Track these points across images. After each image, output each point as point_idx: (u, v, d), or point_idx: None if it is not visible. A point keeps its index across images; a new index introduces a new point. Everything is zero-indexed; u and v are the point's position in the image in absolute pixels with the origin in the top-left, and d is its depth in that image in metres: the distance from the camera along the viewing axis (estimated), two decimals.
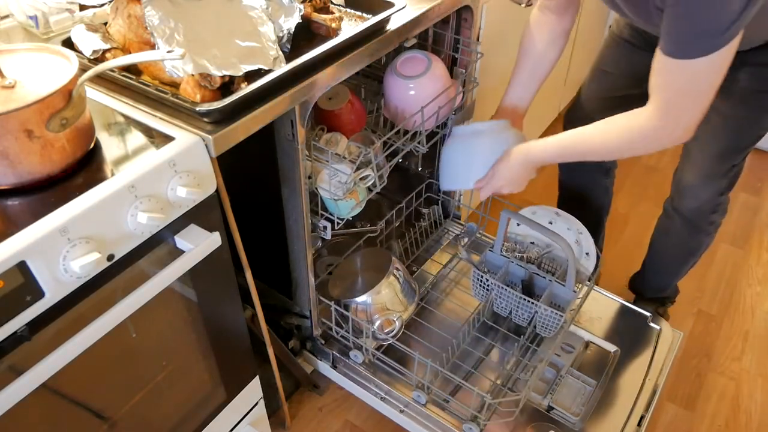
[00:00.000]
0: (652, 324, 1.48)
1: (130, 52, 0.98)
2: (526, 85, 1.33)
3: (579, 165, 1.59)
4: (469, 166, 1.34)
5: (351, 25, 1.14)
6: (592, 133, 1.11)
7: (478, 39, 1.39)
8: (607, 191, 1.67)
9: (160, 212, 0.80)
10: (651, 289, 1.69)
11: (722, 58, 0.92)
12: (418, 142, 1.34)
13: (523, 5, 0.97)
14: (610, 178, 1.64)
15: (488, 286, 1.41)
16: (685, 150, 1.39)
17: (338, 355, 1.40)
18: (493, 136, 1.31)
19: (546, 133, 2.44)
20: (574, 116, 1.53)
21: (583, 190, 1.65)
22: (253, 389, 1.23)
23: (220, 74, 0.90)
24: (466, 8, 1.33)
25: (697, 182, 1.37)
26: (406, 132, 1.33)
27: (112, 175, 0.78)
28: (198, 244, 0.86)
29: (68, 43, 1.00)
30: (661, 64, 0.96)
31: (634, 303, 1.55)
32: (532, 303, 1.34)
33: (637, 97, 1.06)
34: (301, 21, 1.04)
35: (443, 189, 1.49)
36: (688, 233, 1.48)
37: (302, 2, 1.08)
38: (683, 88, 0.97)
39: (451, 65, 1.44)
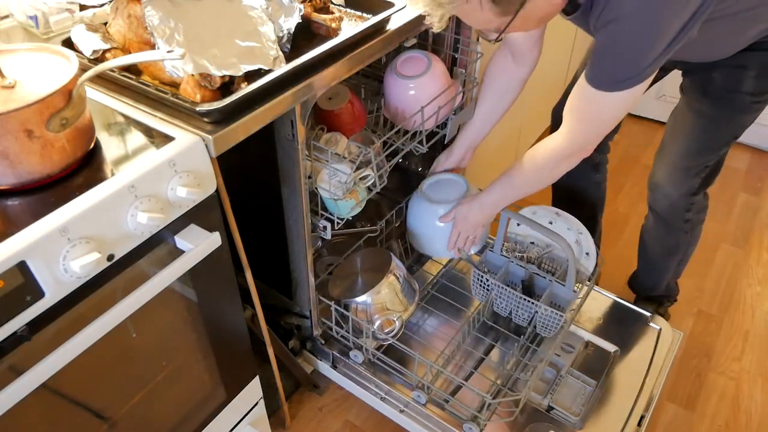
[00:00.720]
0: (652, 324, 1.48)
1: (130, 52, 0.98)
2: (484, 120, 1.40)
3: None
4: (432, 242, 1.48)
5: (351, 25, 1.14)
6: (521, 165, 1.24)
7: (478, 39, 1.39)
8: (599, 186, 1.67)
9: (160, 212, 0.80)
10: (644, 287, 1.70)
11: (632, 96, 0.98)
12: (418, 142, 1.34)
13: (492, 41, 1.03)
14: (601, 173, 1.64)
15: (488, 286, 1.41)
16: (660, 147, 1.41)
17: (338, 355, 1.40)
18: (449, 208, 1.41)
19: (545, 134, 2.44)
20: (557, 111, 1.58)
21: (575, 188, 1.66)
22: (253, 389, 1.23)
23: (220, 74, 0.90)
24: None
25: (667, 180, 1.39)
26: (406, 132, 1.33)
27: (112, 175, 0.78)
28: (198, 244, 0.86)
29: (68, 43, 1.00)
30: (578, 87, 1.04)
31: (634, 303, 1.55)
32: (532, 303, 1.34)
33: None
34: (301, 21, 1.04)
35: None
36: (664, 231, 1.51)
37: (302, 2, 1.08)
38: (589, 116, 1.07)
39: (451, 65, 1.44)
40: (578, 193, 1.66)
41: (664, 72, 1.37)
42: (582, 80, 1.01)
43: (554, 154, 1.16)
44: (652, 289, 1.69)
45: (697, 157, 1.33)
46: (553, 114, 1.62)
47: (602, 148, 1.58)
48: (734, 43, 1.14)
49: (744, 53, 1.15)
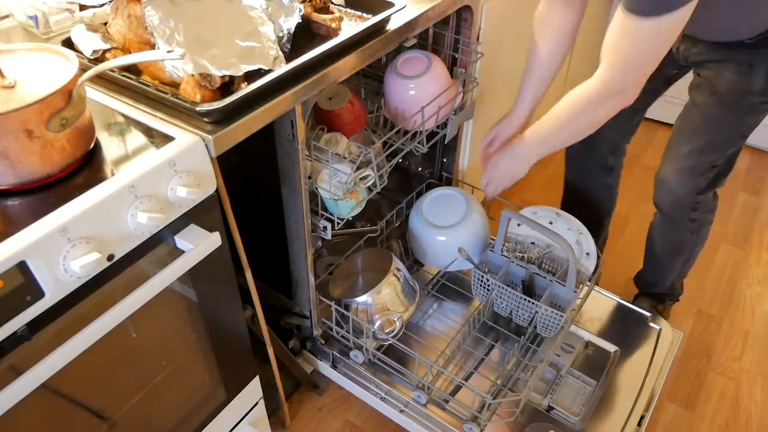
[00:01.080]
0: (652, 324, 1.48)
1: (130, 52, 0.98)
2: (544, 68, 1.35)
3: (582, 162, 1.61)
4: (428, 256, 1.51)
5: (351, 25, 1.14)
6: (556, 113, 1.19)
7: (478, 39, 1.39)
8: (610, 190, 1.66)
9: (160, 212, 0.80)
10: (647, 284, 1.70)
11: (674, 25, 0.95)
12: (419, 142, 1.34)
13: None
14: (614, 177, 1.64)
15: (489, 286, 1.41)
16: (668, 146, 1.40)
17: (338, 355, 1.40)
18: (448, 232, 1.45)
19: None
20: None
21: (585, 189, 1.65)
22: (253, 389, 1.23)
23: (220, 74, 0.90)
24: (466, 8, 1.33)
25: (672, 177, 1.38)
26: (406, 132, 1.33)
27: (112, 175, 0.78)
28: (198, 244, 0.86)
29: (68, 43, 1.00)
30: (617, 23, 1.00)
31: (634, 298, 1.55)
32: (533, 303, 1.34)
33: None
34: (301, 21, 1.04)
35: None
36: (669, 229, 1.50)
37: (302, 2, 1.08)
38: (627, 49, 1.02)
39: (451, 65, 1.44)
40: (588, 195, 1.66)
41: (679, 70, 1.37)
42: (618, 12, 0.98)
43: (590, 98, 1.11)
44: (654, 285, 1.68)
45: (702, 156, 1.32)
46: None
47: (618, 150, 1.57)
48: (752, 20, 1.12)
49: (756, 51, 1.15)
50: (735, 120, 1.26)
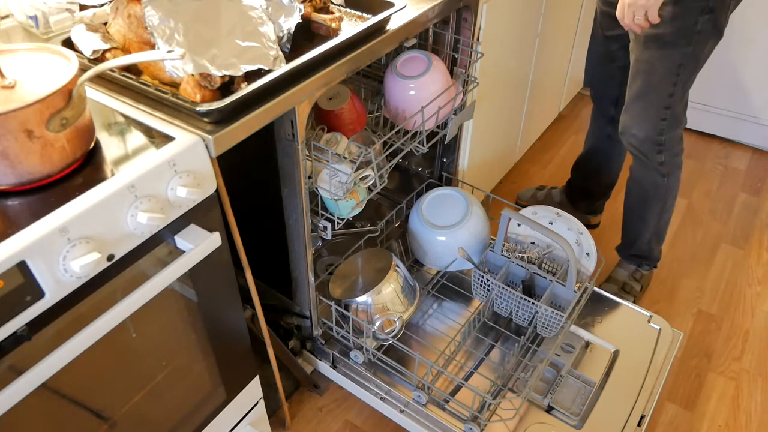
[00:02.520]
0: (652, 324, 1.48)
1: (130, 52, 0.98)
2: None
3: (594, 113, 1.80)
4: (428, 256, 1.52)
5: (351, 25, 1.14)
6: None
7: (478, 39, 1.39)
8: (615, 146, 1.78)
9: (160, 212, 0.80)
10: (626, 245, 1.74)
11: None
12: (419, 142, 1.34)
13: None
14: (615, 129, 1.70)
15: (489, 286, 1.41)
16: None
17: (338, 355, 1.40)
18: (448, 232, 1.45)
19: (547, 132, 2.44)
20: (591, 73, 1.74)
21: (594, 146, 1.83)
22: (253, 389, 1.23)
23: (220, 74, 0.90)
24: (466, 8, 1.33)
25: (630, 122, 1.48)
26: (406, 132, 1.33)
27: (112, 175, 0.78)
28: (198, 244, 0.86)
29: (68, 43, 1.00)
30: None
31: (616, 266, 1.68)
32: (533, 303, 1.34)
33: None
34: (301, 21, 1.04)
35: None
36: (642, 171, 1.57)
37: (302, 2, 1.08)
38: None
39: (451, 65, 1.44)
40: (597, 151, 1.81)
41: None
42: None
43: None
44: (633, 244, 1.72)
45: (648, 97, 1.42)
46: (587, 72, 1.76)
47: (618, 101, 1.64)
48: None
49: None
50: (660, 55, 1.35)
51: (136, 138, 0.87)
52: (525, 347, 1.39)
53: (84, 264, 0.71)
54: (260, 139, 1.01)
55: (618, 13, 1.31)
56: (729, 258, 1.98)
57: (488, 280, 1.40)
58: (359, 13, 1.18)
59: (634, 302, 1.61)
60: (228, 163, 0.92)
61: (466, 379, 1.35)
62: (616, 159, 1.82)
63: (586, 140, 1.89)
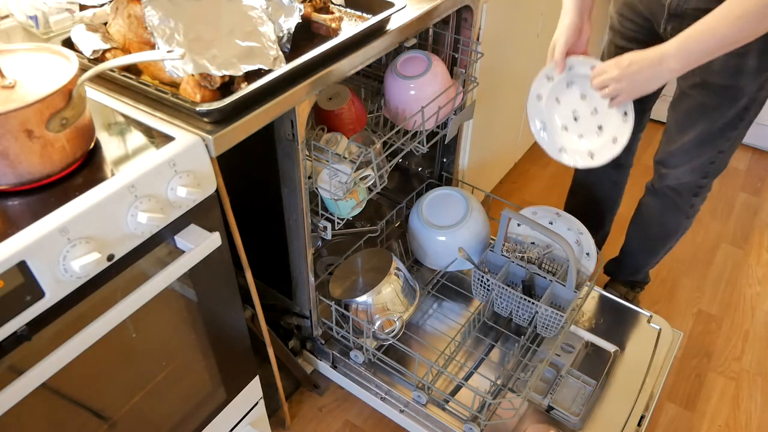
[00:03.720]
0: (652, 324, 1.48)
1: (130, 52, 0.98)
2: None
3: None
4: (428, 256, 1.51)
5: (351, 25, 1.14)
6: (712, 19, 1.03)
7: (478, 39, 1.39)
8: (616, 187, 1.68)
9: (160, 212, 0.80)
10: (625, 271, 1.71)
11: None
12: (419, 142, 1.34)
13: None
14: (621, 174, 1.64)
15: (489, 286, 1.41)
16: (664, 134, 1.40)
17: (338, 355, 1.40)
18: (448, 232, 1.44)
19: None
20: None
21: (592, 183, 1.67)
22: (253, 389, 1.23)
23: (220, 74, 0.90)
24: (466, 8, 1.33)
25: (678, 163, 1.39)
26: (406, 132, 1.33)
27: (112, 175, 0.78)
28: (198, 244, 0.86)
29: (68, 43, 1.00)
30: None
31: (605, 286, 1.56)
32: (533, 303, 1.34)
33: None
34: (301, 21, 1.04)
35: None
36: (668, 213, 1.50)
37: (302, 2, 1.08)
38: None
39: (451, 65, 1.44)
40: (594, 190, 1.67)
41: None
42: None
43: None
44: (633, 273, 1.70)
45: (706, 143, 1.32)
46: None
47: (630, 147, 1.54)
48: None
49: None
50: (729, 107, 1.26)
51: (136, 138, 0.87)
52: (525, 347, 1.39)
53: (84, 264, 0.71)
54: (260, 139, 1.01)
55: (595, 83, 1.16)
56: (729, 258, 1.98)
57: (488, 280, 1.40)
58: (359, 13, 1.18)
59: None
60: (228, 163, 0.92)
61: (466, 379, 1.35)
62: (619, 201, 1.72)
63: (579, 187, 1.72)
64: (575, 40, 1.22)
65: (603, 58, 1.37)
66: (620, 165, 1.60)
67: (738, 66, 1.19)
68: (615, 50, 1.37)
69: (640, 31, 1.32)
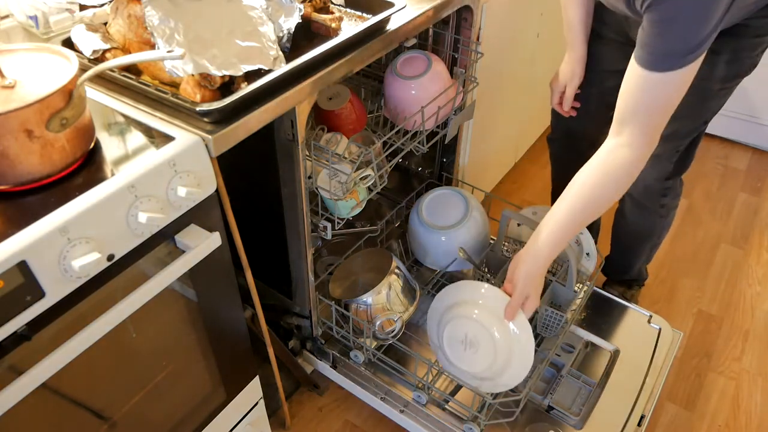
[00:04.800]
0: (652, 324, 1.48)
1: (130, 52, 0.98)
2: (585, 29, 1.34)
3: (565, 161, 1.63)
4: (428, 256, 1.50)
5: (351, 25, 1.14)
6: (579, 194, 1.11)
7: (478, 39, 1.39)
8: None
9: (160, 212, 0.80)
10: (615, 270, 1.72)
11: (697, 65, 0.96)
12: (419, 142, 1.34)
13: None
14: None
15: None
16: None
17: (338, 355, 1.40)
18: (448, 232, 1.44)
19: (547, 132, 2.44)
20: (554, 140, 1.60)
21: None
22: (253, 389, 1.23)
23: (220, 74, 0.90)
24: (466, 8, 1.33)
25: None
26: (406, 132, 1.33)
27: (112, 175, 0.78)
28: (198, 244, 0.86)
29: (68, 43, 1.00)
30: (634, 83, 1.00)
31: (603, 285, 1.59)
32: None
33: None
34: (301, 21, 1.04)
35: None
36: (639, 215, 1.51)
37: (302, 2, 1.08)
38: (658, 103, 1.01)
39: (451, 65, 1.44)
40: None
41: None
42: (637, 72, 0.97)
43: (630, 165, 1.06)
44: (624, 272, 1.70)
45: (667, 144, 1.32)
46: (550, 143, 1.64)
47: (597, 143, 1.55)
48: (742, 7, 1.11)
49: (719, 38, 1.15)
50: (699, 106, 1.26)
51: (136, 138, 0.87)
52: None
53: (84, 264, 0.71)
54: (260, 139, 1.01)
55: (509, 311, 1.17)
56: (729, 258, 1.98)
57: (488, 280, 1.40)
58: (359, 13, 1.18)
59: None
60: (228, 163, 0.92)
61: None
62: None
63: (555, 188, 1.71)
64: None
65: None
66: None
67: (708, 71, 1.18)
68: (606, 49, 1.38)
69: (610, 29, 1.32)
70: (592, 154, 1.57)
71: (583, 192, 1.11)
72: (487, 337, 1.19)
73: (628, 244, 1.62)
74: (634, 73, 0.99)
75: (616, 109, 1.05)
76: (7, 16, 1.12)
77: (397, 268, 1.36)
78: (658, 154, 1.32)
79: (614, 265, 1.71)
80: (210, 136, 0.85)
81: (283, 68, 0.94)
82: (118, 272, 0.81)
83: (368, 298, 1.31)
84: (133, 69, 0.98)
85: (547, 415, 1.30)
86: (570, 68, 1.40)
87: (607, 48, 1.36)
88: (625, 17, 1.20)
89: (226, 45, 0.95)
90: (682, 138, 1.33)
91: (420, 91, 1.28)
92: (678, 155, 1.36)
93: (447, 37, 1.41)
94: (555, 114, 1.54)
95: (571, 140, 1.56)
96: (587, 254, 1.44)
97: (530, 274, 1.17)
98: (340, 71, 1.04)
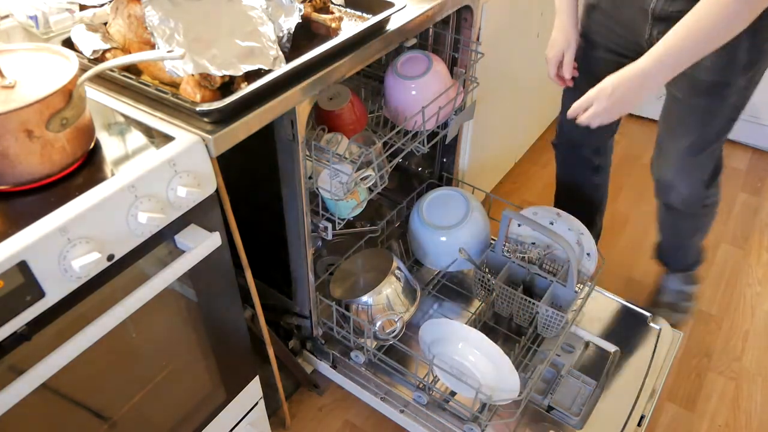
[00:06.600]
0: (652, 324, 1.48)
1: (130, 52, 0.98)
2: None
3: (569, 163, 1.63)
4: (428, 256, 1.51)
5: (351, 25, 1.14)
6: (686, 23, 1.01)
7: (478, 39, 1.39)
8: (598, 189, 1.68)
9: (160, 212, 0.80)
10: (674, 261, 1.70)
11: None
12: (419, 143, 1.34)
13: None
14: (600, 176, 1.64)
15: (489, 286, 1.41)
16: (659, 145, 1.38)
17: (338, 355, 1.40)
18: (449, 233, 1.45)
19: (547, 132, 2.44)
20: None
21: (575, 188, 1.67)
22: (253, 389, 1.23)
23: (220, 74, 0.90)
24: (466, 8, 1.33)
25: (675, 178, 1.37)
26: (406, 132, 1.33)
27: (112, 175, 0.78)
28: (198, 244, 0.86)
29: (68, 43, 1.00)
30: None
31: (665, 275, 1.63)
32: (534, 303, 1.34)
33: None
34: (301, 21, 1.04)
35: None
36: (682, 221, 1.51)
37: (302, 2, 1.08)
38: None
39: (451, 65, 1.44)
40: (578, 193, 1.67)
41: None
42: None
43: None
44: (682, 261, 1.68)
45: (702, 151, 1.30)
46: (554, 147, 1.63)
47: (601, 149, 1.58)
48: None
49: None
50: (718, 110, 1.23)
51: (136, 138, 0.87)
52: (525, 347, 1.39)
53: (84, 264, 0.71)
54: (260, 139, 1.01)
55: (583, 119, 1.15)
56: (729, 258, 1.98)
57: (489, 281, 1.40)
58: (359, 13, 1.18)
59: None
60: (228, 163, 0.92)
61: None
62: (604, 202, 1.73)
63: (562, 195, 1.72)
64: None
65: (581, 69, 1.36)
66: (598, 167, 1.62)
67: (728, 60, 1.15)
68: (595, 62, 1.35)
69: (620, 43, 1.29)
70: (596, 160, 1.58)
71: (694, 24, 1.01)
72: (469, 369, 1.21)
73: (679, 244, 1.61)
74: None
75: None
76: (7, 16, 1.12)
77: (398, 268, 1.36)
78: (694, 164, 1.32)
79: (669, 258, 1.69)
80: (210, 136, 0.85)
81: (283, 68, 0.94)
82: (118, 272, 0.81)
83: (369, 298, 1.31)
84: (133, 69, 0.98)
85: (548, 415, 1.30)
86: (564, 36, 1.33)
87: (603, 58, 1.34)
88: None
89: (226, 45, 0.95)
90: (714, 142, 1.29)
91: (420, 91, 1.28)
92: (715, 160, 1.34)
93: (447, 37, 1.41)
94: (560, 121, 1.54)
95: (575, 147, 1.57)
96: (588, 254, 1.45)
97: (623, 81, 1.08)
98: (341, 71, 1.04)
